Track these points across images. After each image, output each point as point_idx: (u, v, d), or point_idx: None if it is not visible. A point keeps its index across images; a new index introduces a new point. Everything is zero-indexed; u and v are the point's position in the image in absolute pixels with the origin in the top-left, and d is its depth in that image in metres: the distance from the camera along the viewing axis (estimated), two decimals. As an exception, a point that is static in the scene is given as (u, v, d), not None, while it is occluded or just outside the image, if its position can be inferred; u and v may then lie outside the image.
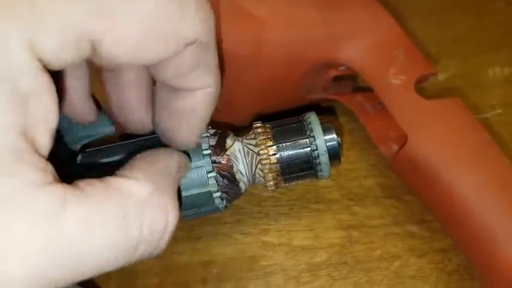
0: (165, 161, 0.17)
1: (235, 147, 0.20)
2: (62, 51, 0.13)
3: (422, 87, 0.27)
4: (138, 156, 0.17)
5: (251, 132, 0.21)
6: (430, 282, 0.24)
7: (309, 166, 0.20)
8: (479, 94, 0.31)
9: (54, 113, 0.13)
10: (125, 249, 0.14)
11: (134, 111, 0.19)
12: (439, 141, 0.21)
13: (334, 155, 0.20)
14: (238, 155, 0.20)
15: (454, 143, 0.21)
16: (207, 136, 0.20)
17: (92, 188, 0.13)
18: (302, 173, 0.20)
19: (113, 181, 0.14)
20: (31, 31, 0.12)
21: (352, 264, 0.25)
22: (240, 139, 0.21)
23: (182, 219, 0.25)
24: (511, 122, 0.30)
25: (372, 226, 0.26)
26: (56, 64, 0.13)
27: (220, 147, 0.20)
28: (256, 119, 0.22)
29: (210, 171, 0.19)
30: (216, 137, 0.20)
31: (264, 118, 0.22)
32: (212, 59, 0.17)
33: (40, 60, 0.13)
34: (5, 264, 0.11)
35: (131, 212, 0.14)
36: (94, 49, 0.14)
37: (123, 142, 0.20)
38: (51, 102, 0.13)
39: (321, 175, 0.20)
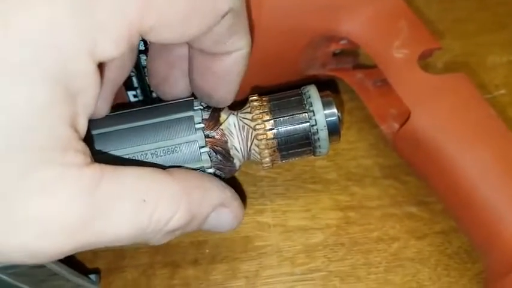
0: (209, 184, 0.18)
1: (230, 121, 0.19)
2: (116, 48, 0.14)
3: (426, 64, 0.26)
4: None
5: (247, 106, 0.20)
6: (430, 265, 0.23)
7: (308, 142, 0.19)
8: (483, 74, 0.30)
9: (95, 101, 0.14)
10: (137, 228, 0.15)
11: (178, 84, 0.20)
12: (443, 116, 0.20)
13: (334, 130, 0.19)
14: (233, 130, 0.19)
15: (458, 119, 0.20)
16: (200, 109, 0.19)
17: (123, 170, 0.15)
18: (300, 149, 0.19)
19: (151, 170, 0.16)
20: (91, 37, 0.13)
21: (349, 246, 0.24)
22: (235, 113, 0.20)
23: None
24: (513, 102, 0.29)
25: (369, 207, 0.25)
26: (107, 59, 0.14)
27: (214, 121, 0.19)
28: (254, 93, 0.21)
29: (202, 146, 0.18)
30: (210, 110, 0.19)
31: (262, 93, 0.21)
32: (245, 23, 0.17)
33: (96, 61, 0.13)
34: (43, 238, 0.13)
35: (151, 199, 0.15)
36: (142, 37, 0.15)
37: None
38: (96, 94, 0.14)
39: (319, 152, 0.20)
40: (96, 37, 0.13)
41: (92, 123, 0.19)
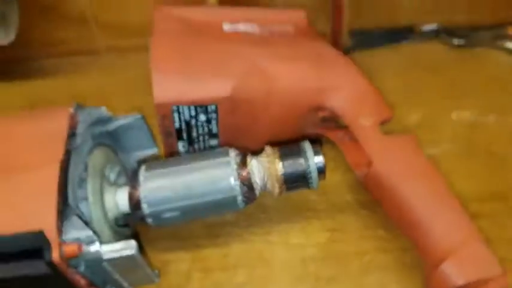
0: None
1: (253, 163, 0.29)
2: None
3: (389, 127, 0.36)
4: None
5: (264, 154, 0.29)
6: (394, 273, 0.32)
7: (304, 179, 0.29)
8: (434, 131, 0.40)
9: None
10: None
11: None
12: (395, 166, 0.29)
13: (321, 171, 0.29)
14: (255, 170, 0.29)
15: (405, 168, 0.29)
16: (234, 155, 0.29)
17: None
18: (299, 184, 0.29)
19: None
20: None
21: (335, 258, 0.32)
22: (256, 158, 0.29)
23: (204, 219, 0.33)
24: (456, 155, 0.39)
25: (349, 230, 0.34)
26: None
27: (243, 164, 0.28)
28: (268, 145, 0.30)
29: (236, 181, 0.28)
30: (240, 156, 0.29)
31: (273, 144, 0.31)
32: None
33: None
34: None
35: None
36: None
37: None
38: None
39: (312, 186, 0.29)
40: None
41: (150, 165, 0.28)
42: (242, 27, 0.35)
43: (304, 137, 0.32)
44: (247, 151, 0.31)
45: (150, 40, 0.32)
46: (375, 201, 0.34)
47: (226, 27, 0.34)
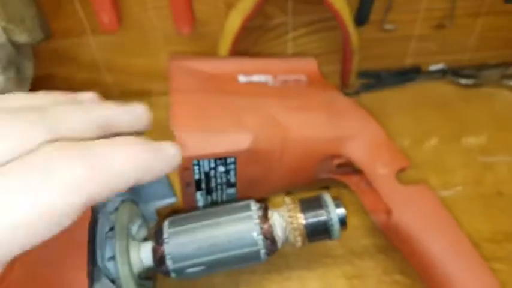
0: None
1: (275, 217, 0.29)
2: None
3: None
4: None
5: (285, 207, 0.30)
6: (412, 318, 0.32)
7: (326, 231, 0.29)
8: (446, 175, 0.41)
9: None
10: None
11: None
12: (415, 217, 0.30)
13: (343, 223, 0.29)
14: (277, 223, 0.29)
15: (423, 217, 0.30)
16: (256, 209, 0.29)
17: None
18: (321, 236, 0.29)
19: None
20: None
21: (354, 304, 0.33)
22: (278, 211, 0.30)
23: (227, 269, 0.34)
24: (468, 196, 0.39)
25: (367, 275, 0.34)
26: None
27: (264, 217, 0.29)
28: (287, 192, 0.31)
29: (258, 235, 0.28)
30: (262, 210, 0.29)
31: (291, 192, 0.31)
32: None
33: None
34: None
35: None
36: None
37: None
38: None
39: (334, 237, 0.29)
40: None
41: (173, 221, 0.29)
42: (256, 78, 0.36)
43: (320, 182, 0.32)
44: (266, 199, 0.32)
45: (169, 97, 0.33)
46: (390, 245, 0.35)
47: (242, 79, 0.35)
